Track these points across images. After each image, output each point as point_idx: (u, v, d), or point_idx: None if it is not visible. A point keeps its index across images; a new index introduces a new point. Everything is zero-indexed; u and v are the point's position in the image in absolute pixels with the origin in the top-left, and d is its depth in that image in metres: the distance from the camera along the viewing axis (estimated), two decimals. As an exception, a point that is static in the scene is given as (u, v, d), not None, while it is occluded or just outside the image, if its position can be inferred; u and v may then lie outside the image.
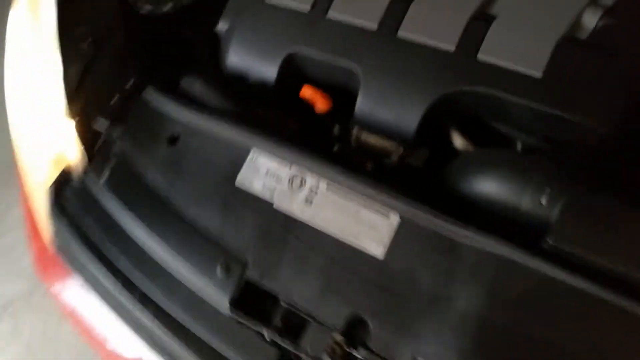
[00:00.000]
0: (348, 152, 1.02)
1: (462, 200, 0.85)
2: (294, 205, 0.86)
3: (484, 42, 0.90)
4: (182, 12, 1.17)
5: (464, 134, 0.98)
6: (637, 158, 0.81)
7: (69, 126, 1.00)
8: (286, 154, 0.88)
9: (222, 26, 1.12)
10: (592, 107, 0.82)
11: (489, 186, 0.83)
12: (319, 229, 0.83)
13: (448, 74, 0.90)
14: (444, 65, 0.91)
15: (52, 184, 1.01)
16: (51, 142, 1.04)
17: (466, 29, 0.91)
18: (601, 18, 0.86)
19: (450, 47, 0.92)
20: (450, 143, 0.99)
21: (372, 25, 0.98)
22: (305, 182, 0.87)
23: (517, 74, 0.86)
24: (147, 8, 1.15)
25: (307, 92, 1.02)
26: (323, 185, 0.86)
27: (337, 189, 0.85)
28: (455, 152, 0.98)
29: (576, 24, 0.88)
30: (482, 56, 0.89)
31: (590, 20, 0.87)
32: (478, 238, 0.75)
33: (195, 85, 1.05)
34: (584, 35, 0.87)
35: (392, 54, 0.95)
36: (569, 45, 0.85)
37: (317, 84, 1.05)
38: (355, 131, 1.00)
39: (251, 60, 1.06)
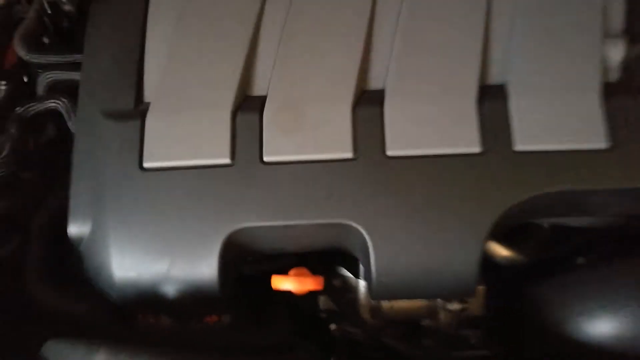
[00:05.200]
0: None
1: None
2: None
3: (514, 128, 0.64)
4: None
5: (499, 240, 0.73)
6: None
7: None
8: None
9: (77, 230, 0.67)
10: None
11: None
12: None
13: (496, 185, 0.63)
14: (483, 174, 0.63)
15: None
16: None
17: (481, 117, 0.65)
18: (628, 49, 0.67)
19: (474, 148, 0.64)
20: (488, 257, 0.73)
21: (345, 153, 0.65)
22: None
23: (579, 154, 0.63)
24: None
25: (286, 282, 0.65)
26: None
27: None
28: (498, 265, 0.73)
29: (602, 67, 0.67)
30: (521, 146, 0.64)
31: (614, 55, 0.67)
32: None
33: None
34: (614, 74, 0.67)
35: (400, 184, 0.64)
36: (616, 97, 0.65)
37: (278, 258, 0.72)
38: (367, 302, 0.69)
39: (160, 263, 0.66)
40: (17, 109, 0.79)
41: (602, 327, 0.60)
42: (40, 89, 0.82)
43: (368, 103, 0.67)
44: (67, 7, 0.84)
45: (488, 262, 0.72)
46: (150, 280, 0.66)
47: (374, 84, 0.69)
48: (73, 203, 0.69)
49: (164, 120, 0.69)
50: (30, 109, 0.79)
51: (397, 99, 0.67)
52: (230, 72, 0.70)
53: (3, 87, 0.81)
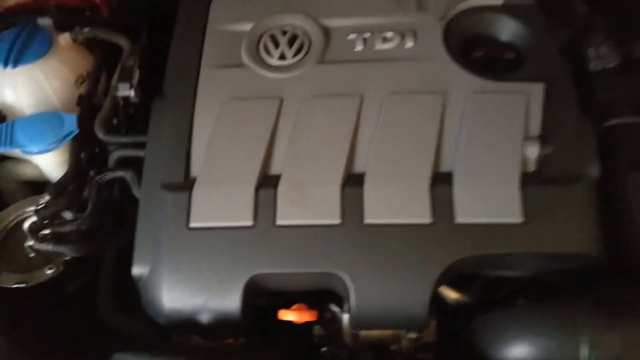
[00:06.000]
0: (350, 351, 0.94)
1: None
2: None
3: (456, 205, 0.89)
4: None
5: (452, 286, 0.97)
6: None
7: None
8: None
9: (139, 271, 0.93)
10: (580, 238, 0.87)
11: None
12: None
13: (441, 247, 0.88)
14: (432, 239, 0.88)
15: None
16: None
17: (432, 197, 0.90)
18: (541, 148, 0.92)
19: (426, 220, 0.89)
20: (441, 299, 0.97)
21: (334, 220, 0.90)
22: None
23: (502, 226, 0.88)
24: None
25: (289, 314, 0.90)
26: None
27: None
28: (451, 306, 0.97)
29: (523, 161, 0.92)
30: (461, 219, 0.89)
31: (531, 152, 0.92)
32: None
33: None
34: (531, 166, 0.92)
35: (373, 244, 0.89)
36: (530, 185, 0.90)
37: (285, 295, 0.96)
38: (349, 330, 0.94)
39: (199, 297, 0.91)
40: (95, 176, 1.07)
41: (513, 352, 0.84)
42: (111, 162, 1.09)
43: (353, 184, 0.93)
44: (134, 100, 1.11)
45: (441, 302, 0.96)
46: (192, 310, 0.91)
47: (358, 169, 0.95)
48: (137, 251, 0.95)
49: (206, 192, 0.95)
50: (105, 176, 1.07)
51: (373, 181, 0.92)
52: (255, 158, 0.96)
53: (83, 156, 1.09)
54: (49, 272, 1.01)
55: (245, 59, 1.05)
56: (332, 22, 1.06)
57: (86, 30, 1.18)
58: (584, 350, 0.75)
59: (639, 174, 0.92)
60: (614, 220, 0.91)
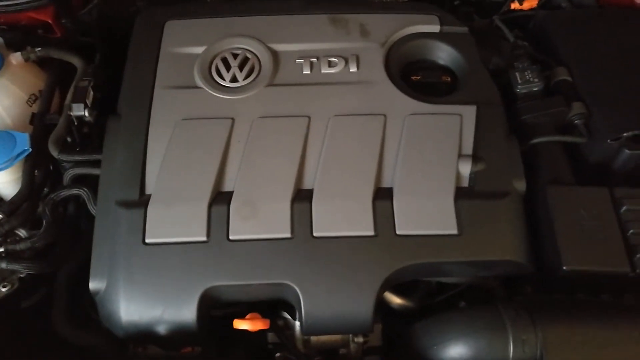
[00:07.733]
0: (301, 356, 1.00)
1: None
2: None
3: (396, 218, 0.97)
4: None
5: (395, 292, 1.05)
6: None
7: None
8: None
9: (96, 286, 0.96)
10: (509, 247, 0.96)
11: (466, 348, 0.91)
12: None
13: (383, 257, 0.95)
14: (375, 250, 0.95)
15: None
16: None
17: (375, 211, 0.97)
18: (473, 165, 1.01)
19: (370, 232, 0.96)
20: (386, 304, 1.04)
21: (285, 234, 0.96)
22: None
23: (438, 237, 0.96)
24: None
25: (244, 323, 0.95)
26: None
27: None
28: (394, 310, 1.04)
29: (456, 177, 1.01)
30: (401, 231, 0.96)
31: (464, 169, 1.01)
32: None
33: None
34: (465, 182, 1.01)
35: (321, 256, 0.95)
36: (464, 199, 0.98)
37: (239, 305, 1.01)
38: (300, 337, 1.01)
39: (156, 310, 0.95)
40: (50, 194, 1.09)
41: (451, 353, 0.91)
42: (66, 180, 1.11)
43: (301, 199, 0.99)
44: (88, 119, 1.14)
45: (386, 307, 1.03)
46: (149, 322, 0.94)
47: (307, 185, 1.01)
48: (93, 266, 0.97)
49: (161, 208, 0.99)
50: (60, 194, 1.09)
51: (320, 197, 0.99)
52: (208, 176, 1.01)
53: (37, 173, 1.11)
54: (4, 289, 1.02)
55: (198, 80, 1.10)
56: (281, 47, 1.13)
57: (38, 49, 1.19)
58: (511, 348, 0.84)
59: (558, 187, 1.02)
60: (538, 229, 1.01)
